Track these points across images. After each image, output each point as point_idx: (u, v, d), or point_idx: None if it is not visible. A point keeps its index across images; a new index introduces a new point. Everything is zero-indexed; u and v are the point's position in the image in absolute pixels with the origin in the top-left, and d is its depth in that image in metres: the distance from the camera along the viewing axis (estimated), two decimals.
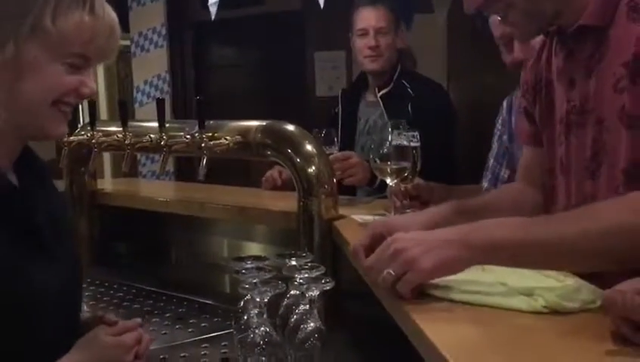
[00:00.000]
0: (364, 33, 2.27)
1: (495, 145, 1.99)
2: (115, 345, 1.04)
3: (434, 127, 1.91)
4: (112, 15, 0.98)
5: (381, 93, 2.29)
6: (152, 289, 1.89)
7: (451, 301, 0.92)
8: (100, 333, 1.04)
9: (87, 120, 1.98)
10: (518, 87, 1.91)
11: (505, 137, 1.94)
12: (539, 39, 1.26)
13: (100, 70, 6.28)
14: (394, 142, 1.51)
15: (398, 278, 0.92)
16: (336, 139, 1.91)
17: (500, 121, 1.98)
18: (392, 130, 1.52)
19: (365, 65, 2.32)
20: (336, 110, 2.41)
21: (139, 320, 1.14)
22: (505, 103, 1.96)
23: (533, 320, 0.84)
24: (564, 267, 0.96)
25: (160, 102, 1.78)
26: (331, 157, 1.75)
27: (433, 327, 0.81)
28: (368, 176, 1.88)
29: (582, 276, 0.96)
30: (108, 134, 1.91)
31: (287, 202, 1.73)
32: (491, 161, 2.00)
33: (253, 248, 2.05)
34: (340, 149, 1.96)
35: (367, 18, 2.27)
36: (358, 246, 1.09)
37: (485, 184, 2.01)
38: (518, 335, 0.80)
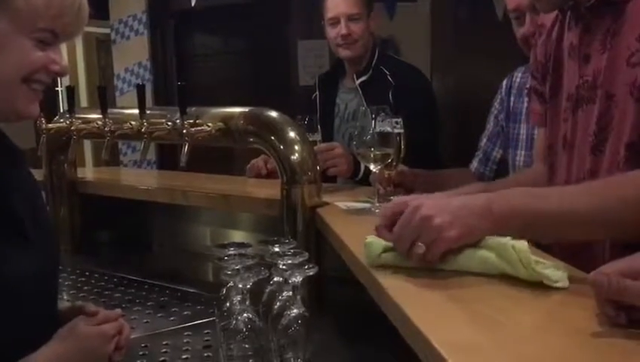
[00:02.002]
0: (336, 22, 2.23)
1: (490, 125, 1.99)
2: (95, 334, 1.02)
3: (416, 114, 1.90)
4: None
5: (360, 80, 2.26)
6: (134, 277, 1.87)
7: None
8: (80, 323, 1.02)
9: (67, 107, 1.95)
10: (517, 68, 1.92)
11: (502, 116, 1.94)
12: (550, 16, 1.25)
13: (80, 58, 6.21)
14: (377, 129, 1.50)
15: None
16: (319, 127, 1.90)
17: (498, 100, 1.97)
18: (374, 116, 1.51)
19: (340, 53, 2.29)
20: (314, 96, 2.40)
21: (119, 310, 1.12)
22: (504, 83, 1.96)
23: (515, 300, 0.85)
24: (578, 236, 0.99)
25: (140, 88, 1.75)
26: (315, 148, 1.74)
27: (417, 311, 0.81)
28: (352, 167, 1.87)
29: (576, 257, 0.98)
30: (87, 121, 1.88)
31: (270, 189, 1.72)
32: (484, 141, 2.00)
33: (237, 236, 2.03)
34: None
35: (337, 5, 2.23)
36: (381, 225, 1.05)
37: (475, 164, 2.01)
38: (501, 314, 0.80)
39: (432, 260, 0.94)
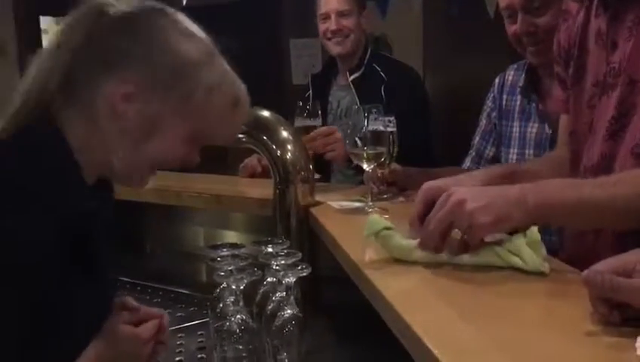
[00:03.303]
0: (327, 17, 2.26)
1: (483, 123, 1.98)
2: (130, 336, 0.98)
3: (408, 110, 1.91)
4: (247, 109, 1.02)
5: (352, 77, 2.28)
6: (126, 279, 1.85)
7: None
8: (117, 322, 0.98)
9: None
10: (508, 65, 1.92)
11: (494, 114, 1.93)
12: (575, 4, 1.24)
13: None
14: (370, 128, 1.50)
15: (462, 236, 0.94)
16: (319, 112, 1.89)
17: (490, 98, 1.97)
18: (367, 114, 1.50)
19: (331, 49, 2.31)
20: (308, 94, 2.40)
21: (160, 309, 1.08)
22: (497, 81, 1.96)
23: (510, 298, 0.85)
24: (615, 226, 0.99)
25: None
26: (315, 131, 1.75)
27: (410, 311, 0.81)
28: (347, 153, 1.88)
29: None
30: None
31: (263, 189, 1.71)
32: (477, 139, 1.99)
33: (230, 236, 2.03)
34: None
35: (328, 2, 2.27)
36: (414, 217, 1.06)
37: (468, 162, 2.00)
38: (495, 312, 0.80)
39: (471, 249, 0.94)
